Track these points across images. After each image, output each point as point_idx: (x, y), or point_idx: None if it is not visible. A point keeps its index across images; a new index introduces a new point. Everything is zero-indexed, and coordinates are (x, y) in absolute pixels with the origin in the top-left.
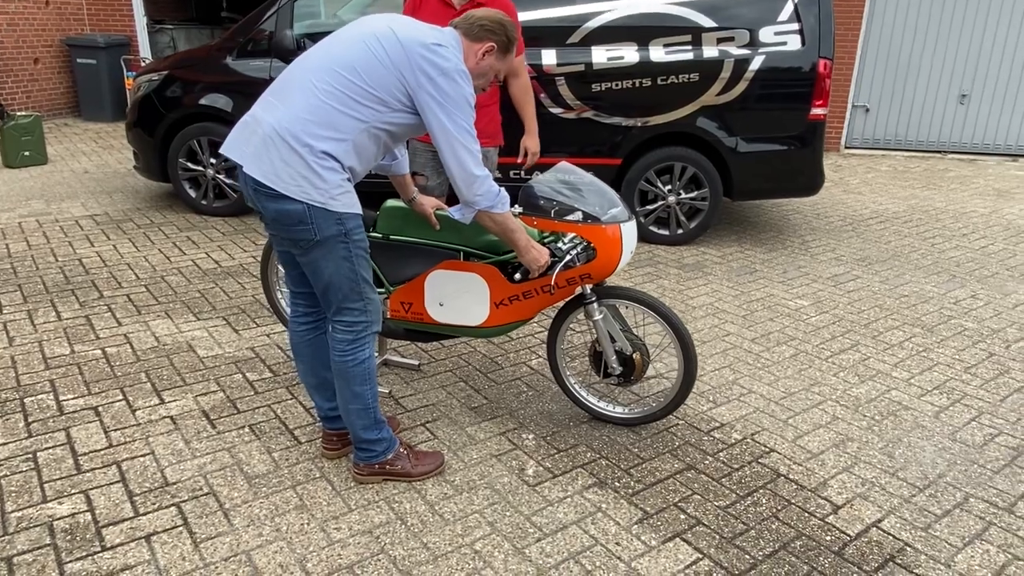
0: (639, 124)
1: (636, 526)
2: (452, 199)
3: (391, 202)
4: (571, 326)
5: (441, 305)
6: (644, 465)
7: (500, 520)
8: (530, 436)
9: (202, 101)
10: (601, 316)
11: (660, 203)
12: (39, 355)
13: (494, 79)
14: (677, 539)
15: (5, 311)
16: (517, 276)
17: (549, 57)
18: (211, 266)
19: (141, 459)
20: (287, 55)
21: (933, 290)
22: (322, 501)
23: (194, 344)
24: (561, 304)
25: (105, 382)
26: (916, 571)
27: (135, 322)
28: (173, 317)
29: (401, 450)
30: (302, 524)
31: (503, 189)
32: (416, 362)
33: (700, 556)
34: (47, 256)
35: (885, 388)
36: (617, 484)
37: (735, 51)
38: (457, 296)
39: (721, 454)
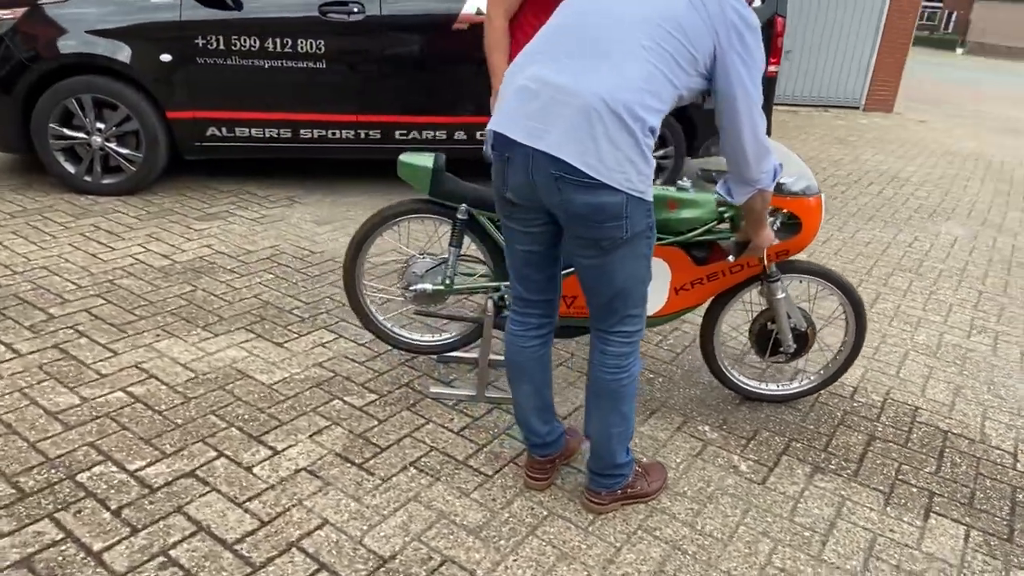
0: None
1: (889, 508)
2: None
3: None
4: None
5: None
6: (834, 442)
7: (770, 528)
8: (705, 428)
9: (84, 49)
10: (784, 295)
11: None
12: (39, 412)
13: None
14: (932, 515)
15: None
16: (731, 258)
17: None
18: (163, 263)
19: (320, 532)
20: None
21: (882, 235)
22: (579, 544)
23: (242, 368)
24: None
25: (170, 435)
26: None
27: (134, 347)
28: (180, 335)
29: (637, 468)
30: None
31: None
32: None
33: (966, 527)
34: None
35: (937, 333)
36: (831, 467)
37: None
38: None
39: (883, 418)
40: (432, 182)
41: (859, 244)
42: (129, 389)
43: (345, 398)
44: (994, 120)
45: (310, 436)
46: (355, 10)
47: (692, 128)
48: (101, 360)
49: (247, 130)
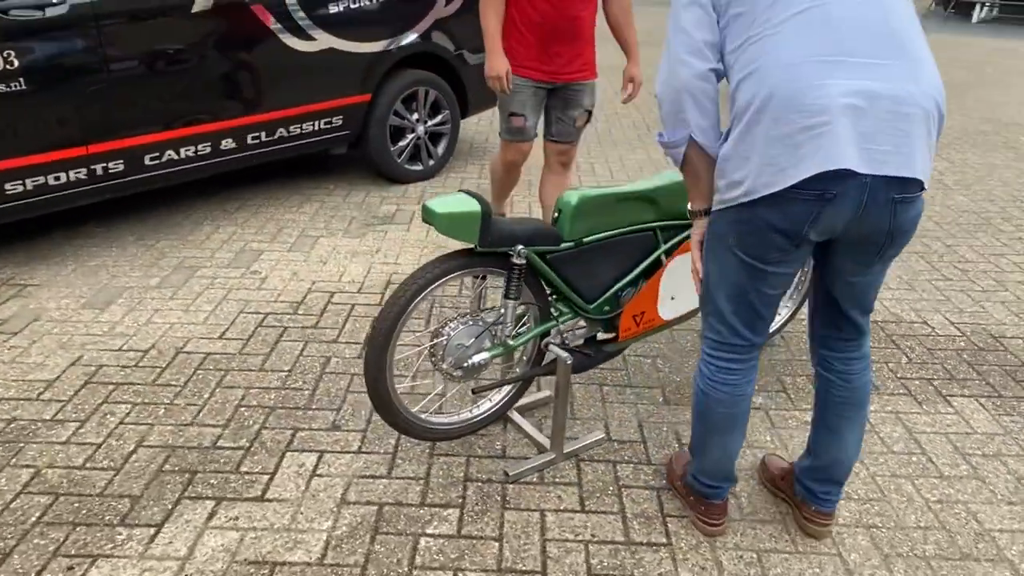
0: (385, 49)
1: (925, 407)
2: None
3: (574, 196)
4: None
5: (673, 299)
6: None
7: (894, 468)
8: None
9: None
10: None
11: (412, 136)
12: None
13: None
14: (951, 399)
15: None
16: None
17: None
18: None
19: None
20: None
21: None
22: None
23: (256, 557)
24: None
25: None
26: None
27: None
28: (108, 552)
29: None
30: None
31: None
32: (601, 434)
33: (973, 398)
34: None
35: None
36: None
37: None
38: (688, 280)
39: None
40: (482, 230)
41: (621, 168)
42: None
43: (427, 531)
44: None
45: None
46: (53, 1)
47: (463, 90)
48: None
49: None
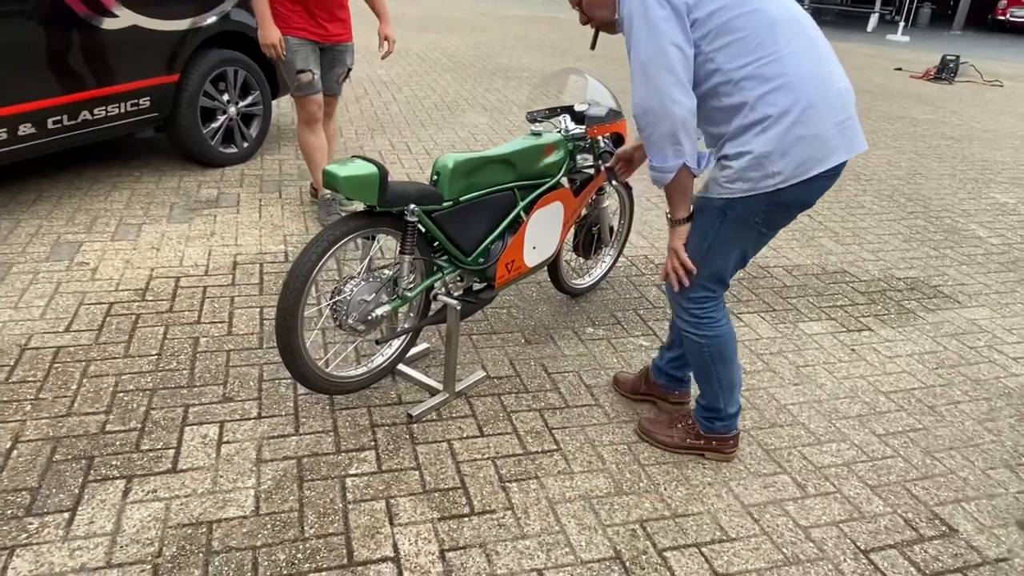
0: (191, 27)
1: (780, 327)
2: None
3: (449, 160)
4: None
5: (534, 248)
6: (664, 298)
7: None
8: (592, 329)
9: None
10: (609, 199)
11: (224, 118)
12: None
13: None
14: (800, 323)
15: None
16: (614, 183)
17: None
18: None
19: None
20: None
21: (439, 136)
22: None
23: (185, 520)
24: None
25: None
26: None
27: None
28: (27, 544)
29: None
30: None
31: None
32: (483, 373)
33: (820, 320)
34: None
35: None
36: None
37: None
38: (545, 231)
39: (635, 267)
40: (380, 191)
41: (434, 146)
42: None
43: (350, 472)
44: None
45: (398, 523)
46: None
47: (272, 71)
48: None
49: None
